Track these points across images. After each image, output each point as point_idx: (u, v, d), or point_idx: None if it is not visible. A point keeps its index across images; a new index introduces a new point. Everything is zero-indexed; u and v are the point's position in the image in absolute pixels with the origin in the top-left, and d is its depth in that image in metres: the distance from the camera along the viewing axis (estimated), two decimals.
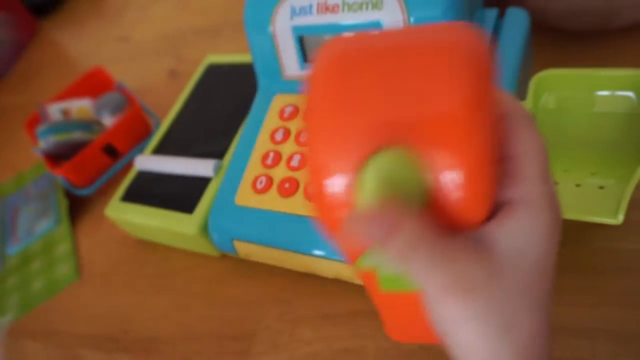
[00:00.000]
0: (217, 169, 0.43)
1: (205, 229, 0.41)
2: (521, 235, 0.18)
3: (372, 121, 0.17)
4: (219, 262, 0.44)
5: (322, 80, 0.18)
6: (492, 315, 0.17)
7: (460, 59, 0.17)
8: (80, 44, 0.85)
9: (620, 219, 0.29)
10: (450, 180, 0.17)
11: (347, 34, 0.19)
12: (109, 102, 0.56)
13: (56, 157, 0.56)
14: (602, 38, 0.42)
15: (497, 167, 0.18)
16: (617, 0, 0.39)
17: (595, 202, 0.31)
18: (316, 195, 0.18)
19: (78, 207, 0.56)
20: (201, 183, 0.43)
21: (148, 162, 0.48)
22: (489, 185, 0.17)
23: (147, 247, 0.49)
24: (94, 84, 0.61)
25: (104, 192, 0.56)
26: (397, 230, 0.17)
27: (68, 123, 0.55)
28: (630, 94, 0.33)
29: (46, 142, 0.54)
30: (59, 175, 0.54)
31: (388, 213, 0.17)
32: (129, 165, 0.53)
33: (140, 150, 0.54)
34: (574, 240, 0.35)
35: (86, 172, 0.54)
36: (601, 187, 0.32)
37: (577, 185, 0.32)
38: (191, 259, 0.45)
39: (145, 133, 0.56)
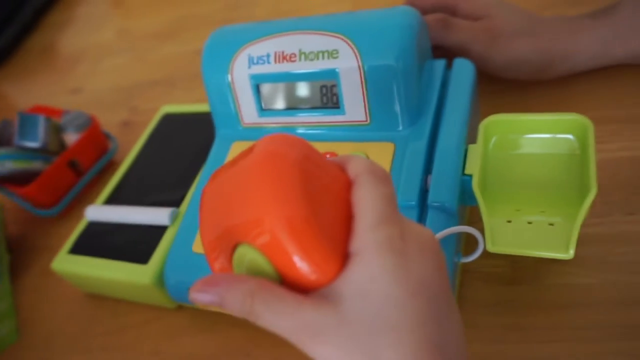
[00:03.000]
0: (173, 217, 0.42)
1: (160, 279, 0.39)
2: (358, 282, 0.20)
3: (225, 229, 0.22)
4: (174, 315, 0.42)
5: (202, 200, 0.23)
6: (352, 356, 0.19)
7: (258, 174, 0.21)
8: (30, 94, 0.83)
9: (571, 253, 0.30)
10: (284, 260, 0.20)
11: (226, 162, 0.24)
12: (75, 120, 0.56)
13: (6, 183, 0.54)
14: (542, 86, 0.46)
15: (339, 230, 0.21)
16: (550, 53, 0.43)
17: (546, 238, 0.32)
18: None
19: (21, 262, 0.53)
20: (156, 232, 0.42)
21: (100, 212, 0.46)
22: (321, 251, 0.20)
23: (96, 303, 0.46)
24: None
25: (50, 246, 0.53)
26: (236, 284, 0.20)
27: (30, 151, 0.54)
28: (569, 136, 0.35)
29: (2, 165, 0.52)
30: (22, 196, 0.53)
31: (227, 275, 0.21)
32: (91, 184, 0.58)
33: (100, 168, 0.58)
34: (529, 278, 0.35)
35: (53, 189, 0.54)
36: (551, 224, 0.33)
37: (529, 223, 0.34)
38: (145, 312, 0.43)
39: (104, 151, 0.59)
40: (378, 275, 0.20)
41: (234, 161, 0.23)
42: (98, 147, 0.59)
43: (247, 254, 0.21)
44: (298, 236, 0.20)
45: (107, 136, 0.60)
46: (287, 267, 0.20)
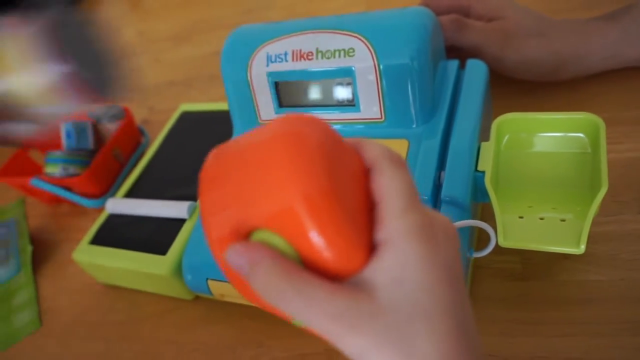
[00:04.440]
0: (191, 211, 0.43)
1: (178, 270, 0.40)
2: (391, 269, 0.19)
3: (239, 219, 0.20)
4: (191, 306, 0.43)
5: (205, 184, 0.21)
6: (388, 345, 0.18)
7: (282, 154, 0.19)
8: None
9: (582, 248, 0.31)
10: (310, 249, 0.19)
11: (229, 141, 0.22)
12: (109, 111, 0.59)
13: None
14: (553, 87, 0.46)
15: (362, 217, 0.20)
16: (562, 54, 0.43)
17: (558, 233, 0.33)
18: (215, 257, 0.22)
19: (42, 253, 0.54)
20: (175, 225, 0.43)
21: (120, 205, 0.47)
22: (349, 240, 0.19)
23: (115, 293, 0.47)
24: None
25: (70, 238, 0.54)
26: (262, 258, 0.19)
27: (83, 155, 0.56)
28: (581, 135, 0.36)
29: (65, 170, 0.55)
30: (71, 187, 0.54)
31: (255, 248, 0.20)
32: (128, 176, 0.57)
33: (136, 160, 0.59)
34: (540, 274, 0.36)
35: (101, 178, 0.56)
36: (562, 220, 0.34)
37: (541, 219, 0.34)
38: (162, 303, 0.44)
39: (138, 143, 0.61)
40: (411, 262, 0.19)
41: (241, 139, 0.21)
42: (133, 139, 0.60)
43: (269, 240, 0.20)
44: (327, 227, 0.19)
45: (139, 130, 0.63)
46: (314, 256, 0.19)
